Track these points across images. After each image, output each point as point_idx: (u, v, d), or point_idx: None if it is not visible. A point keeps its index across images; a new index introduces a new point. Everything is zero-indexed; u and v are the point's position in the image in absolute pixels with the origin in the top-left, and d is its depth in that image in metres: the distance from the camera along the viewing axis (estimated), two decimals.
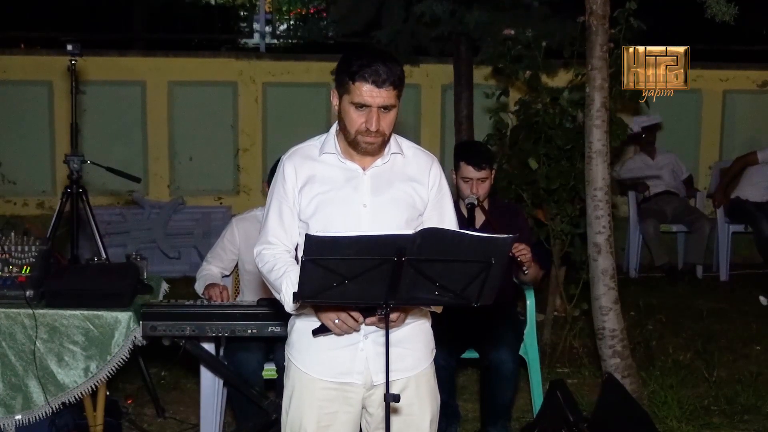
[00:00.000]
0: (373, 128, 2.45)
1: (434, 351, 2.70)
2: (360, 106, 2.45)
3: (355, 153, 2.54)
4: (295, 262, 2.57)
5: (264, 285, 3.38)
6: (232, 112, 7.83)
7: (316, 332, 2.52)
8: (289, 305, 2.51)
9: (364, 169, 2.55)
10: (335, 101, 2.53)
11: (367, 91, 2.43)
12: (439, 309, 2.60)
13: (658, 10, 6.60)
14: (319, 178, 2.54)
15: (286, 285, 2.47)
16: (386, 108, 2.46)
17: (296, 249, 2.60)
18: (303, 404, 2.57)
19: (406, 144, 2.64)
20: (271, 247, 2.58)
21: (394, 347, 2.46)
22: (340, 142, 2.56)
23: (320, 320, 2.49)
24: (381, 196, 2.53)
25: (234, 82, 7.80)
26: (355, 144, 2.50)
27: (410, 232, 2.26)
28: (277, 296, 2.55)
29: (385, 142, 2.53)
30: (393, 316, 2.42)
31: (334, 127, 2.60)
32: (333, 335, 2.50)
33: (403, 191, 2.56)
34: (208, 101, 7.82)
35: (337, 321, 2.44)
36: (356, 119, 2.46)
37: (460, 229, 2.31)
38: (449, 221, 2.62)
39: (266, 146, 7.73)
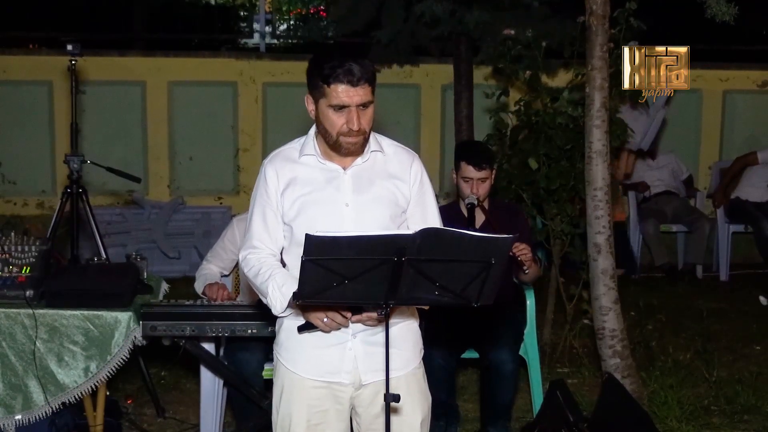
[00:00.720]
0: (354, 127, 2.45)
1: (422, 351, 2.70)
2: (338, 107, 2.45)
3: (336, 154, 2.54)
4: (281, 265, 2.57)
5: None
6: (232, 112, 7.83)
7: (301, 329, 2.51)
8: (276, 309, 2.51)
9: (344, 168, 2.55)
10: (311, 107, 2.52)
11: (344, 92, 2.43)
12: (426, 306, 2.59)
13: (658, 10, 6.60)
14: (300, 180, 2.55)
15: (272, 288, 2.48)
16: (364, 105, 2.46)
17: (281, 252, 2.60)
18: (292, 403, 2.57)
19: (386, 142, 2.64)
20: (256, 252, 2.58)
21: (383, 347, 2.47)
22: (320, 144, 2.56)
23: (307, 319, 2.49)
24: (363, 195, 2.54)
25: (234, 82, 7.80)
26: (338, 146, 2.50)
27: (394, 229, 2.25)
28: (264, 300, 2.55)
29: (366, 140, 2.53)
30: (376, 315, 2.40)
31: (313, 129, 2.60)
32: (321, 333, 2.50)
33: (385, 189, 2.56)
34: (208, 101, 7.82)
35: (326, 320, 2.45)
36: (336, 121, 2.46)
37: (459, 228, 2.31)
38: (432, 217, 2.63)
39: (266, 146, 7.73)
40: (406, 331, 2.63)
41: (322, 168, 2.55)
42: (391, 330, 2.54)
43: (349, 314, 2.44)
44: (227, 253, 4.01)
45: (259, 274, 2.53)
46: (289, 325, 2.58)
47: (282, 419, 2.59)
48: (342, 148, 2.50)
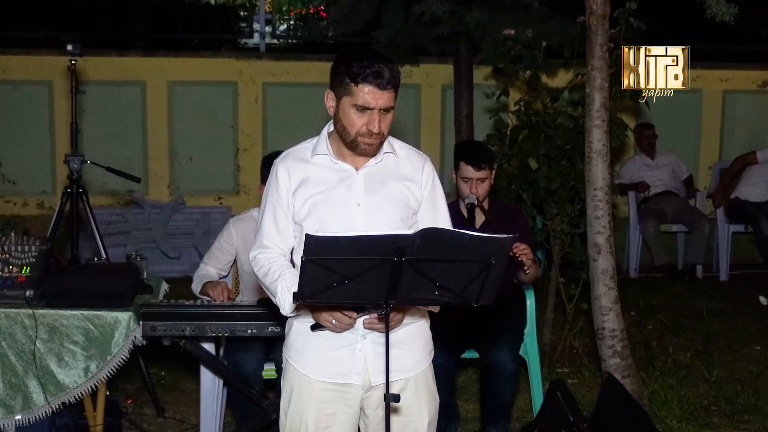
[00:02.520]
0: (375, 130, 2.46)
1: (432, 352, 2.70)
2: (362, 108, 2.45)
3: (349, 153, 2.54)
4: (291, 265, 2.57)
5: None
6: (232, 112, 7.83)
7: (314, 327, 2.52)
8: (284, 309, 2.51)
9: (356, 168, 2.55)
10: (331, 103, 2.52)
11: (370, 93, 2.43)
12: (436, 309, 2.60)
13: (658, 10, 6.60)
14: (312, 179, 2.55)
15: (282, 288, 2.48)
16: (386, 110, 2.47)
17: (292, 252, 2.60)
18: (302, 405, 2.56)
19: (399, 144, 2.65)
20: (266, 251, 2.58)
21: (393, 348, 2.46)
22: (333, 144, 2.57)
23: (316, 320, 2.49)
24: (374, 195, 2.54)
25: (234, 82, 7.80)
26: (355, 145, 2.50)
27: (405, 230, 2.26)
28: (273, 300, 2.55)
29: (382, 143, 2.54)
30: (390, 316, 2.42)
31: (326, 129, 2.60)
32: (330, 335, 2.51)
33: (396, 190, 2.57)
34: (208, 101, 7.82)
35: (334, 321, 2.45)
36: (357, 121, 2.47)
37: (459, 229, 2.31)
38: (443, 219, 2.63)
39: (266, 146, 7.72)
40: (417, 332, 2.63)
41: (335, 168, 2.55)
42: (402, 331, 2.56)
43: (354, 314, 2.44)
44: (224, 254, 4.00)
45: (268, 273, 2.53)
46: (298, 327, 2.58)
47: (291, 421, 2.58)
48: (359, 147, 2.50)
